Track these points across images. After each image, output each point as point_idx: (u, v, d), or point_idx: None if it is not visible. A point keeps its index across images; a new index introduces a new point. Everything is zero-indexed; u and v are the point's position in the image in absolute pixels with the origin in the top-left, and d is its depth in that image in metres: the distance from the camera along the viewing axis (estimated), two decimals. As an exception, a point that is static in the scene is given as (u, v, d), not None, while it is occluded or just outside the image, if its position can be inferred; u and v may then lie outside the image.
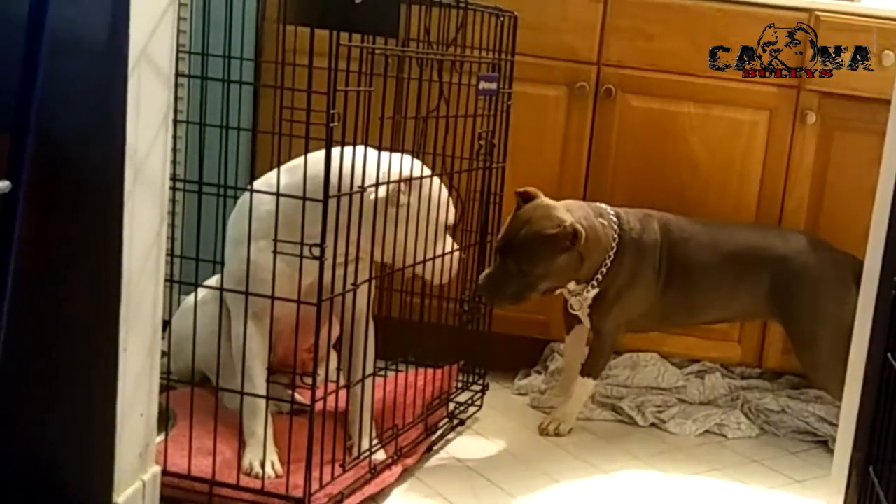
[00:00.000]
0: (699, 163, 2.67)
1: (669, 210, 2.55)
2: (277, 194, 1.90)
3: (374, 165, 1.97)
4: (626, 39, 2.64)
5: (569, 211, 2.29)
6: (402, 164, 2.03)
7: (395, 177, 2.00)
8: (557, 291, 2.38)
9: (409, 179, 2.03)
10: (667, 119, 2.66)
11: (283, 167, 1.96)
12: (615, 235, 2.35)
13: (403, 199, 2.01)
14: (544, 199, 2.30)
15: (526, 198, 2.29)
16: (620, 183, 2.67)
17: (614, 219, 2.37)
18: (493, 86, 2.36)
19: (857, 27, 2.53)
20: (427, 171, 2.11)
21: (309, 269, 1.86)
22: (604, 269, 2.34)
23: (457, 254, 2.17)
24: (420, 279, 2.18)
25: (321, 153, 1.84)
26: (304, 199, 1.85)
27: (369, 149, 1.96)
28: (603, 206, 2.41)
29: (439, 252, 2.12)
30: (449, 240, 2.17)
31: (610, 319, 2.42)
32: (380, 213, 1.97)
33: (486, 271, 2.30)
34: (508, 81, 2.43)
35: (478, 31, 2.37)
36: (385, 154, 2.01)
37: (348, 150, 1.89)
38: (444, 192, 2.13)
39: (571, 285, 2.36)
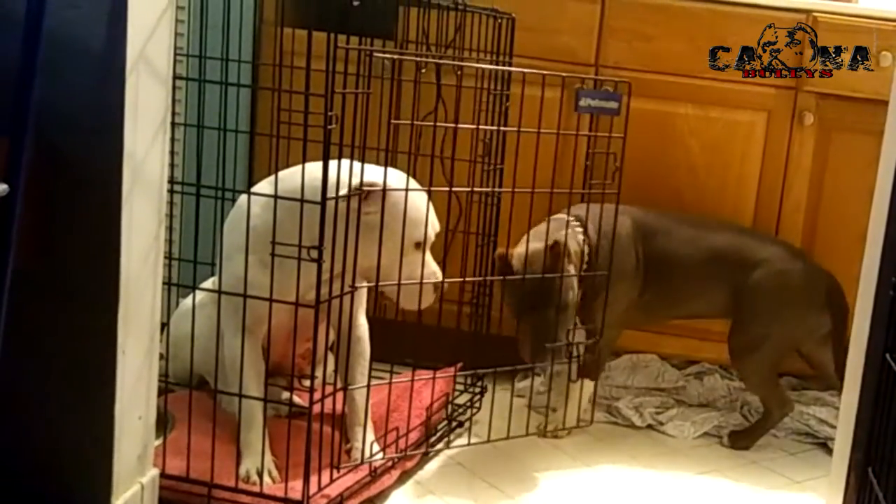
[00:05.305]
0: (697, 164, 2.67)
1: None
2: (275, 197, 1.90)
3: (347, 174, 1.89)
4: (624, 41, 2.64)
5: (539, 236, 2.28)
6: (375, 175, 1.95)
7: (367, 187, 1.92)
8: None
9: (366, 186, 1.93)
10: (665, 120, 2.66)
11: (266, 181, 1.96)
12: (582, 239, 2.34)
13: (365, 207, 1.93)
14: (518, 247, 2.27)
15: (504, 258, 2.26)
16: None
17: (576, 223, 2.36)
18: (600, 103, 2.26)
19: (854, 28, 2.54)
20: (415, 185, 2.03)
21: (298, 282, 1.86)
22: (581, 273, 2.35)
23: (432, 278, 2.05)
24: (393, 300, 2.07)
25: (297, 167, 1.85)
26: (301, 201, 1.85)
27: (349, 160, 1.91)
28: (561, 216, 2.37)
29: (415, 273, 2.03)
30: (430, 263, 2.05)
31: (599, 318, 2.41)
32: (342, 222, 1.89)
33: (527, 339, 2.24)
34: (506, 83, 2.43)
35: (476, 33, 2.37)
36: (368, 166, 1.95)
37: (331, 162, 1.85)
38: (418, 206, 2.01)
39: None
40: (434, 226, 2.09)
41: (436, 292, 2.08)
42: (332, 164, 1.85)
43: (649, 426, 2.59)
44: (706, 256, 2.47)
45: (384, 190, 1.94)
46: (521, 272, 2.23)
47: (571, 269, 2.27)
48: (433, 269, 2.07)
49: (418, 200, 2.02)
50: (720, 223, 2.57)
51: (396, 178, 2.01)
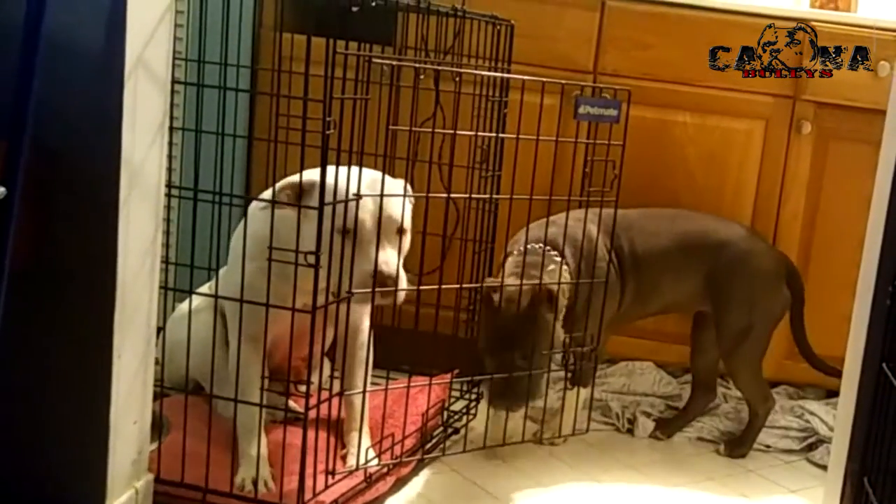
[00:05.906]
0: (695, 172, 2.67)
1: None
2: (273, 202, 1.90)
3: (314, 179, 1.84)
4: (622, 49, 2.64)
5: (516, 275, 2.24)
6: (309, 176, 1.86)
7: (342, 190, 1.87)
8: None
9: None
10: (662, 128, 2.66)
11: (269, 191, 1.96)
12: (563, 267, 2.31)
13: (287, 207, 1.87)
14: (507, 290, 2.21)
15: (490, 299, 2.23)
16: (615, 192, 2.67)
17: (553, 253, 2.32)
18: (599, 110, 2.22)
19: (852, 38, 2.54)
20: (390, 184, 1.95)
21: (294, 287, 1.86)
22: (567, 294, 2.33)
23: (368, 267, 1.89)
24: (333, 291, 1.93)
25: (296, 176, 1.85)
26: (299, 206, 1.85)
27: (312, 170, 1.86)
28: (538, 247, 2.32)
29: (338, 262, 1.89)
30: (368, 252, 1.89)
31: (591, 327, 2.40)
32: (282, 224, 1.87)
33: (496, 385, 2.18)
34: (504, 90, 2.43)
35: (474, 40, 2.37)
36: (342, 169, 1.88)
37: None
38: (342, 195, 1.87)
39: None
40: (392, 218, 1.94)
41: (380, 290, 1.91)
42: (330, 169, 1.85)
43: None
44: (674, 245, 2.48)
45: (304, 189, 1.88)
46: (502, 309, 2.19)
47: (549, 318, 2.23)
48: (371, 259, 1.89)
49: (345, 188, 1.88)
50: (678, 212, 2.57)
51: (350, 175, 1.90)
